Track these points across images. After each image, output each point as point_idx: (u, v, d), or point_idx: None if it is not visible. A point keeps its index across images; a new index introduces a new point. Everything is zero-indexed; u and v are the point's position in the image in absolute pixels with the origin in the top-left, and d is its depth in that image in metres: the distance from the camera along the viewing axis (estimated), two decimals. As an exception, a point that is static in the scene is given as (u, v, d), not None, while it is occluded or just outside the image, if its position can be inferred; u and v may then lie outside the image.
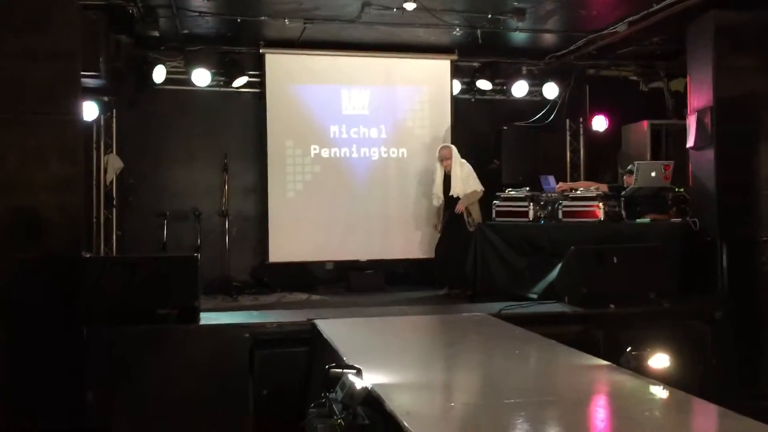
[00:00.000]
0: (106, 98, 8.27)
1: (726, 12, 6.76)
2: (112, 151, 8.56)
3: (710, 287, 6.69)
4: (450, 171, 8.11)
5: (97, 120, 8.38)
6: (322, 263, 9.09)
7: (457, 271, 7.74)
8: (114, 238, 8.58)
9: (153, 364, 5.32)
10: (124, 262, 5.89)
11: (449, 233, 8.08)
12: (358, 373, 3.30)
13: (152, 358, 5.32)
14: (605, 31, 7.97)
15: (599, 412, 3.31)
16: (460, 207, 7.93)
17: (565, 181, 9.35)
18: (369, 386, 3.29)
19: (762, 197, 6.76)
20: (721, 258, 6.66)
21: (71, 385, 5.10)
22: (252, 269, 8.98)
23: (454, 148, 8.22)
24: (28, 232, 5.18)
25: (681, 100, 9.26)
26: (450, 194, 8.05)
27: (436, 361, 4.43)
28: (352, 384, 3.14)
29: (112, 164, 8.49)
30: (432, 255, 8.60)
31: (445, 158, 8.15)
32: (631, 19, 7.44)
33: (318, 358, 5.09)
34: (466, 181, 8.02)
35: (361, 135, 9.07)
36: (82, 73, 5.75)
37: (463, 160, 8.20)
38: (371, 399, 3.22)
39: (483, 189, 8.08)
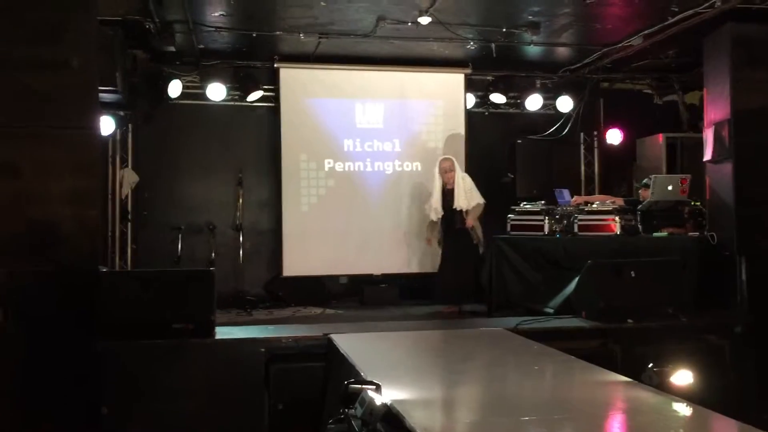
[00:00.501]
0: (122, 113, 8.34)
1: (743, 25, 6.73)
2: (127, 166, 8.60)
3: (729, 301, 6.61)
4: (451, 183, 7.91)
5: (113, 134, 8.43)
6: (336, 277, 9.08)
7: (469, 286, 7.73)
8: (129, 251, 8.60)
9: (168, 379, 5.30)
10: (139, 276, 5.90)
11: (457, 249, 7.89)
12: (378, 389, 3.26)
13: (167, 373, 5.31)
14: (620, 45, 7.96)
15: (621, 430, 3.27)
16: (471, 221, 7.79)
17: (579, 194, 9.32)
18: (388, 402, 3.26)
19: (780, 211, 6.69)
20: (739, 272, 6.59)
21: (86, 399, 5.09)
22: (266, 283, 8.98)
23: (455, 160, 8.09)
24: (45, 245, 5.18)
25: (696, 113, 9.25)
26: (454, 207, 7.84)
27: (454, 377, 4.39)
28: (371, 400, 3.11)
29: (128, 178, 8.54)
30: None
31: (447, 170, 7.96)
32: (646, 32, 7.42)
33: (334, 373, 5.06)
34: (470, 194, 7.85)
35: (375, 149, 9.08)
36: (99, 87, 5.77)
37: (464, 173, 8.07)
38: (391, 415, 3.19)
39: (485, 201, 7.94)
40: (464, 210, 7.79)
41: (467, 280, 7.83)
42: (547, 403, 3.71)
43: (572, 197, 7.96)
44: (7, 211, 5.16)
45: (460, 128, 9.26)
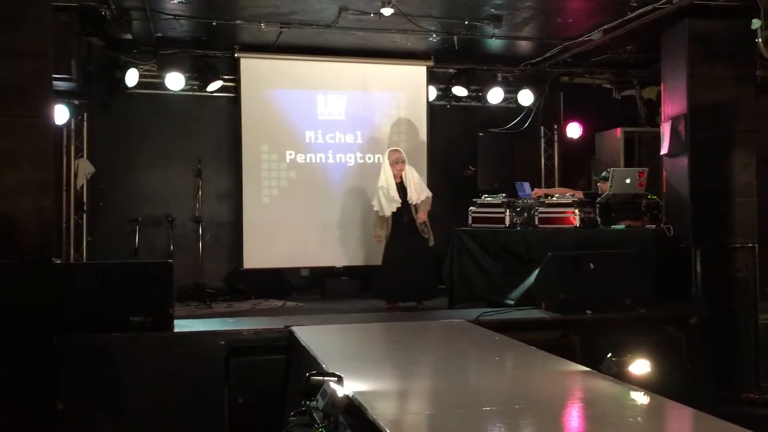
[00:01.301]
0: (77, 101, 8.12)
1: (700, 20, 6.85)
2: (82, 156, 8.40)
3: (685, 293, 6.76)
4: (402, 176, 7.52)
5: (68, 123, 8.22)
6: (297, 270, 9.01)
7: (425, 281, 7.42)
8: (84, 244, 8.42)
9: (126, 373, 5.22)
10: (96, 268, 5.77)
11: (408, 243, 7.44)
12: (339, 380, 3.25)
13: (125, 366, 5.23)
14: (580, 39, 8.03)
15: (581, 419, 3.31)
16: (422, 216, 7.43)
17: (540, 187, 9.41)
18: (350, 394, 3.24)
19: (735, 204, 6.85)
20: (695, 264, 6.74)
21: (43, 394, 4.98)
22: (226, 276, 8.88)
23: (403, 152, 7.71)
24: (2, 238, 5.05)
25: (653, 107, 9.41)
26: (407, 201, 7.46)
27: (415, 368, 4.39)
28: (333, 392, 3.09)
29: (83, 169, 8.34)
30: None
31: (398, 161, 7.53)
32: (605, 27, 7.50)
33: (296, 366, 5.03)
34: (419, 186, 7.53)
35: (337, 140, 9.03)
36: (54, 75, 5.62)
37: (410, 165, 7.68)
38: (353, 407, 3.18)
39: (431, 194, 7.64)
40: (414, 204, 7.45)
41: (425, 276, 7.43)
42: (508, 394, 3.75)
43: (533, 190, 8.03)
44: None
45: (422, 121, 9.26)
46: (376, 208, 7.61)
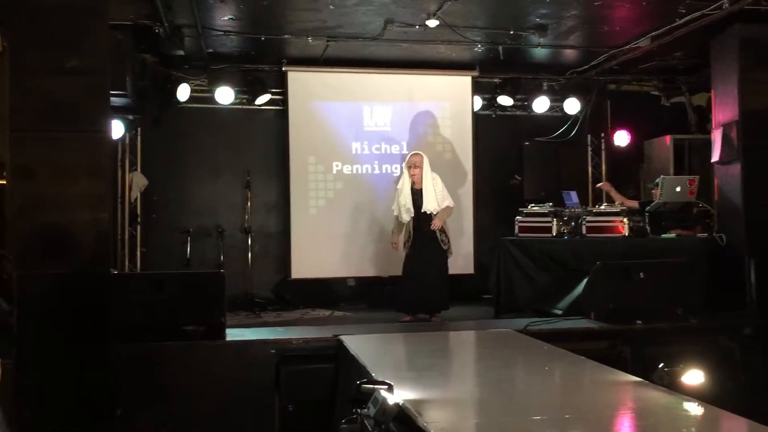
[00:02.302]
0: (131, 117, 8.37)
1: (751, 26, 6.74)
2: (136, 169, 8.65)
3: (738, 303, 6.61)
4: (419, 182, 7.15)
5: (123, 138, 8.48)
6: (343, 280, 9.09)
7: (435, 294, 7.10)
8: (138, 254, 8.65)
9: (180, 381, 5.34)
10: (151, 278, 5.93)
11: (423, 254, 7.12)
12: (390, 389, 3.29)
13: (179, 375, 5.34)
14: (627, 46, 7.96)
15: (632, 429, 3.28)
16: (438, 223, 7.06)
17: (587, 196, 9.34)
18: (401, 402, 3.28)
19: (790, 212, 6.69)
20: (749, 273, 6.60)
21: (100, 401, 5.13)
22: (274, 286, 9.01)
23: (425, 157, 7.28)
24: (58, 248, 5.23)
25: (703, 114, 9.24)
26: (423, 210, 7.08)
27: (464, 377, 4.42)
28: (384, 400, 3.13)
29: (137, 182, 8.58)
30: (457, 271, 8.54)
31: (414, 166, 7.15)
32: (653, 34, 7.42)
33: (345, 374, 5.09)
34: (440, 195, 7.14)
35: (383, 151, 9.10)
36: (110, 91, 5.82)
37: (434, 173, 7.31)
38: (403, 415, 3.21)
39: (454, 204, 7.37)
40: (434, 213, 7.09)
41: (436, 289, 7.10)
42: (558, 403, 3.73)
43: (578, 199, 7.96)
44: (22, 214, 5.22)
45: (468, 131, 9.28)
46: (395, 213, 7.36)
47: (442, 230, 7.17)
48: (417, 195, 7.17)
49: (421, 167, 7.17)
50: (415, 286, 7.12)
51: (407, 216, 7.18)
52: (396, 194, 7.38)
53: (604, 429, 3.20)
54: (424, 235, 7.14)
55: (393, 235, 7.45)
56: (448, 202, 7.22)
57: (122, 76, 6.94)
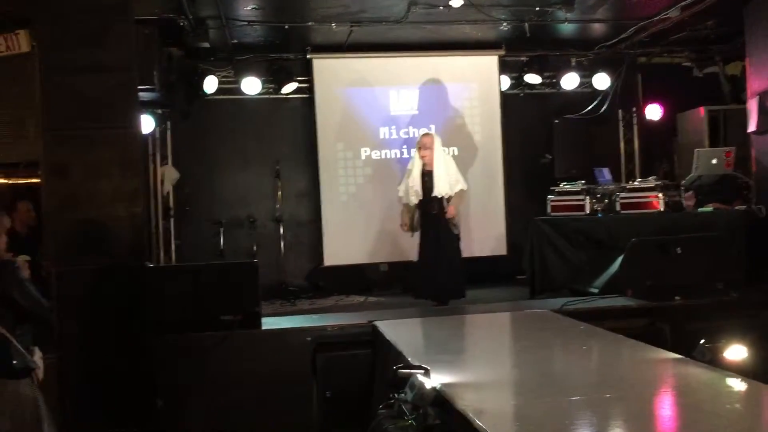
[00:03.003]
0: (160, 111, 8.44)
1: (785, -10, 6.55)
2: (167, 163, 8.73)
3: (780, 275, 6.47)
4: (429, 164, 6.86)
5: (153, 132, 8.55)
6: (376, 265, 9.09)
7: (450, 281, 6.86)
8: (173, 247, 8.74)
9: (218, 370, 5.40)
10: (186, 270, 6.01)
11: (436, 240, 6.89)
12: (426, 373, 3.28)
13: (217, 365, 5.40)
14: (656, 18, 7.79)
15: (674, 406, 3.23)
16: (452, 210, 6.80)
17: (620, 172, 9.19)
18: (438, 386, 3.27)
19: (832, 180, 6.52)
20: (789, 244, 6.45)
21: (143, 392, 5.21)
22: (308, 273, 9.05)
23: (437, 138, 7.03)
24: (94, 243, 5.31)
25: (738, 84, 9.02)
26: (434, 194, 6.80)
27: (501, 359, 4.39)
28: (421, 384, 3.13)
29: (169, 175, 8.66)
30: (490, 252, 8.47)
31: (424, 147, 6.87)
32: (683, 3, 7.25)
33: (381, 359, 5.10)
34: (451, 178, 6.85)
35: (411, 135, 9.03)
36: (138, 86, 5.87)
37: (448, 155, 7.12)
38: (441, 399, 3.21)
39: (467, 187, 7.09)
40: (445, 197, 6.81)
41: (449, 276, 6.85)
42: (597, 383, 3.69)
43: (611, 176, 7.84)
44: (58, 212, 5.31)
45: (496, 111, 9.18)
46: (401, 194, 7.13)
47: (453, 216, 6.89)
48: (428, 177, 6.86)
49: (432, 148, 6.87)
50: (429, 274, 6.89)
51: (415, 199, 6.92)
52: (405, 175, 7.15)
53: (644, 408, 3.16)
54: (434, 219, 6.86)
55: (402, 217, 7.13)
56: (461, 185, 6.93)
57: (150, 70, 6.99)
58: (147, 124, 8.12)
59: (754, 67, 7.02)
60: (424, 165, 6.90)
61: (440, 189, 6.80)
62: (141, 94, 6.64)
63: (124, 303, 5.27)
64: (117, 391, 5.18)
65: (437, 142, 6.94)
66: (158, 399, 5.26)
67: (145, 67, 6.66)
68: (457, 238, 6.98)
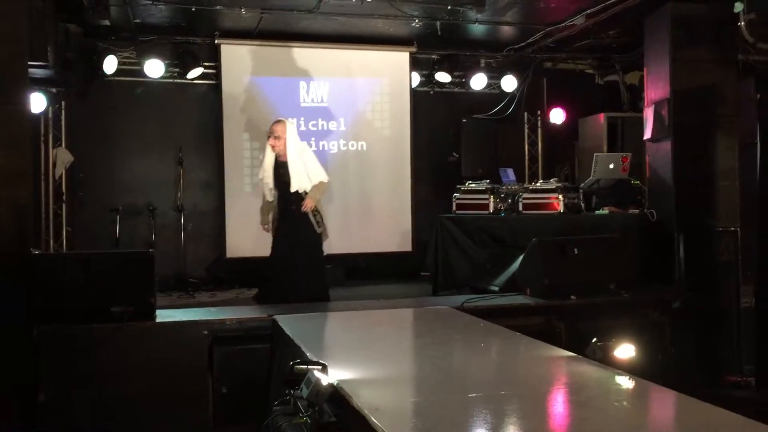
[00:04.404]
0: (54, 89, 7.99)
1: (683, 4, 6.85)
2: (61, 144, 8.28)
3: (669, 277, 6.78)
4: (282, 155, 6.26)
5: (45, 112, 8.09)
6: (281, 258, 8.93)
7: (308, 281, 6.38)
8: (64, 234, 8.31)
9: (108, 364, 5.15)
10: (76, 258, 5.69)
11: (292, 237, 6.34)
12: (324, 369, 3.21)
13: (107, 358, 5.16)
14: (563, 24, 8.00)
15: (566, 403, 3.30)
16: (309, 203, 6.26)
17: (524, 173, 9.42)
18: (335, 382, 3.21)
19: (718, 188, 6.88)
20: (678, 248, 6.76)
21: (22, 386, 4.90)
22: (209, 265, 8.80)
23: (289, 125, 6.36)
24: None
25: (636, 92, 9.42)
26: (292, 190, 6.26)
27: (400, 356, 4.37)
28: (317, 380, 3.05)
29: (62, 158, 8.22)
30: (395, 248, 8.47)
31: (274, 135, 6.23)
32: (588, 11, 7.47)
33: (280, 355, 4.98)
34: (310, 170, 6.28)
35: (320, 127, 8.96)
36: (29, 62, 5.51)
37: (303, 144, 6.44)
38: (337, 396, 3.14)
39: (328, 179, 6.54)
40: (303, 191, 6.29)
41: (309, 276, 6.38)
42: (494, 380, 3.73)
43: (515, 176, 8.01)
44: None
45: (406, 107, 9.21)
46: (263, 190, 6.53)
47: (316, 210, 6.37)
48: (283, 169, 6.28)
49: (283, 137, 6.22)
50: (283, 274, 6.33)
51: (271, 195, 6.37)
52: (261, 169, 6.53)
53: (538, 404, 3.21)
54: (293, 215, 6.31)
55: (261, 215, 6.54)
56: (322, 177, 6.34)
57: (43, 46, 6.56)
58: (38, 102, 7.68)
59: (651, 77, 7.32)
60: (277, 156, 6.30)
61: (298, 183, 6.24)
62: (33, 70, 6.26)
63: (5, 291, 4.93)
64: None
65: (290, 130, 6.30)
66: (40, 393, 4.95)
67: (37, 42, 6.25)
68: (319, 236, 6.43)
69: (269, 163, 6.33)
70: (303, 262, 6.38)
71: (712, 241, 6.78)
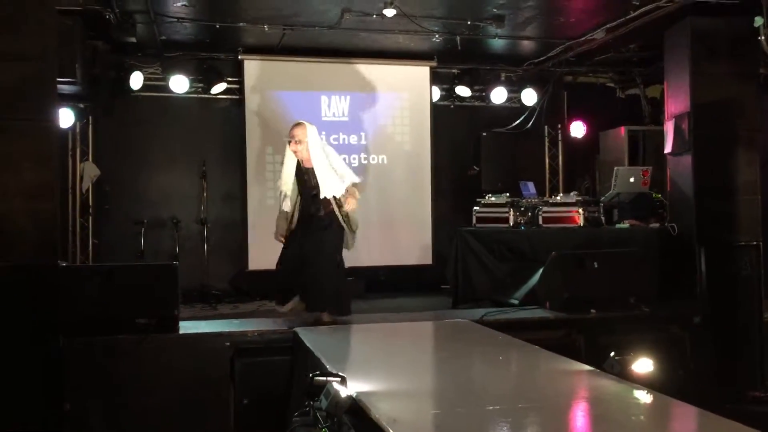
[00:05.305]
0: (82, 105, 8.16)
1: (702, 18, 6.84)
2: (88, 159, 8.45)
3: (689, 292, 6.74)
4: (307, 160, 5.76)
5: (73, 127, 8.26)
6: (302, 270, 8.99)
7: (320, 287, 5.82)
8: (90, 246, 8.46)
9: (132, 374, 5.25)
10: (101, 270, 5.78)
11: (309, 239, 5.82)
12: (343, 381, 3.26)
13: (131, 368, 5.25)
14: (583, 38, 8.03)
15: (585, 417, 3.31)
16: (351, 204, 5.75)
17: (544, 187, 9.41)
18: (354, 394, 3.26)
19: (739, 202, 6.83)
20: (699, 262, 6.71)
21: (49, 396, 5.00)
22: (231, 277, 8.89)
23: (310, 128, 5.78)
24: (1, 240, 5.07)
25: (657, 106, 9.39)
26: (321, 196, 5.74)
27: (419, 368, 4.41)
28: (336, 392, 3.10)
29: (88, 172, 8.38)
30: (415, 261, 8.48)
31: (295, 140, 5.69)
32: (608, 26, 7.49)
33: (300, 367, 5.04)
34: (340, 173, 5.77)
35: (341, 141, 9.03)
36: (58, 79, 5.65)
37: (327, 146, 5.92)
38: (356, 407, 3.19)
39: (361, 179, 6.06)
40: (338, 196, 5.76)
41: (317, 284, 5.80)
42: (512, 393, 3.75)
43: (535, 189, 8.02)
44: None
45: (426, 121, 9.27)
46: (281, 200, 6.04)
47: (347, 216, 5.83)
48: (308, 175, 5.78)
49: (305, 141, 5.69)
50: (291, 277, 5.88)
51: (288, 206, 5.84)
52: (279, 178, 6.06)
53: (556, 418, 3.22)
54: (320, 221, 5.79)
55: (278, 228, 5.99)
56: (354, 178, 5.83)
57: (71, 63, 6.73)
58: (67, 118, 7.85)
59: (671, 91, 7.30)
60: (300, 162, 5.80)
61: (331, 188, 5.71)
62: (61, 86, 6.39)
63: (32, 303, 5.04)
64: (24, 393, 4.95)
65: (311, 132, 5.75)
66: (66, 402, 5.05)
67: (66, 59, 6.41)
68: (339, 241, 5.86)
69: (290, 171, 5.81)
70: (315, 266, 5.79)
71: (733, 256, 6.72)
